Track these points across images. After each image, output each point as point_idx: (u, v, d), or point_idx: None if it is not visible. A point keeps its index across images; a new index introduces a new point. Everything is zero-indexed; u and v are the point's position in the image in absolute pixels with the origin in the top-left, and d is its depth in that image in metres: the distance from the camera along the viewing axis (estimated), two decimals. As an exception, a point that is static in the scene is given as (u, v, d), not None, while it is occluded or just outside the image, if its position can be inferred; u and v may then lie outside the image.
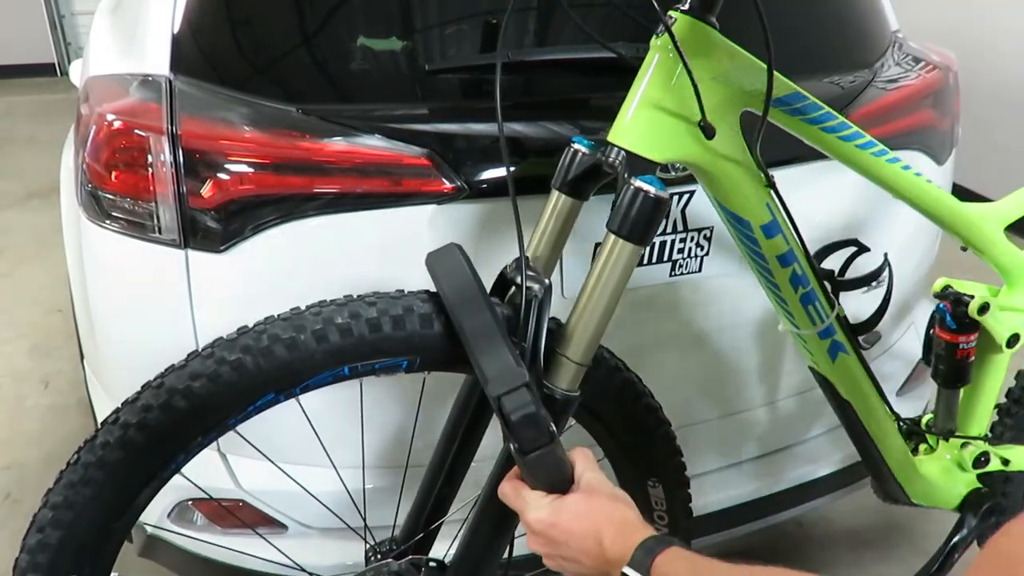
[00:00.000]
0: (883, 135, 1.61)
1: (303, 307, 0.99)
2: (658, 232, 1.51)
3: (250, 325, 0.97)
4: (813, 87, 1.60)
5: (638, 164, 0.98)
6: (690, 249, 1.53)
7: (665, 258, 1.54)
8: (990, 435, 1.40)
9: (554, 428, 0.89)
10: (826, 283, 1.16)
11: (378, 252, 1.32)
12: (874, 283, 1.17)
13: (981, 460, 1.37)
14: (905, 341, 1.85)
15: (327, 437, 1.28)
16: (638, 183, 0.95)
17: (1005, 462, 1.39)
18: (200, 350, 0.95)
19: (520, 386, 0.88)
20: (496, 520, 1.02)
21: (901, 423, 1.32)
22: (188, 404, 0.92)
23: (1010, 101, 3.59)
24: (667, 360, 1.65)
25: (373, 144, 1.27)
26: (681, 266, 1.56)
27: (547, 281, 1.01)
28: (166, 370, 0.95)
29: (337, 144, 1.28)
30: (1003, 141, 3.60)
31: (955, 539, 1.37)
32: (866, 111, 1.57)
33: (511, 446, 0.89)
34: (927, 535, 2.18)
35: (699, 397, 1.70)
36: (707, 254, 1.53)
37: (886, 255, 1.21)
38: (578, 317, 1.00)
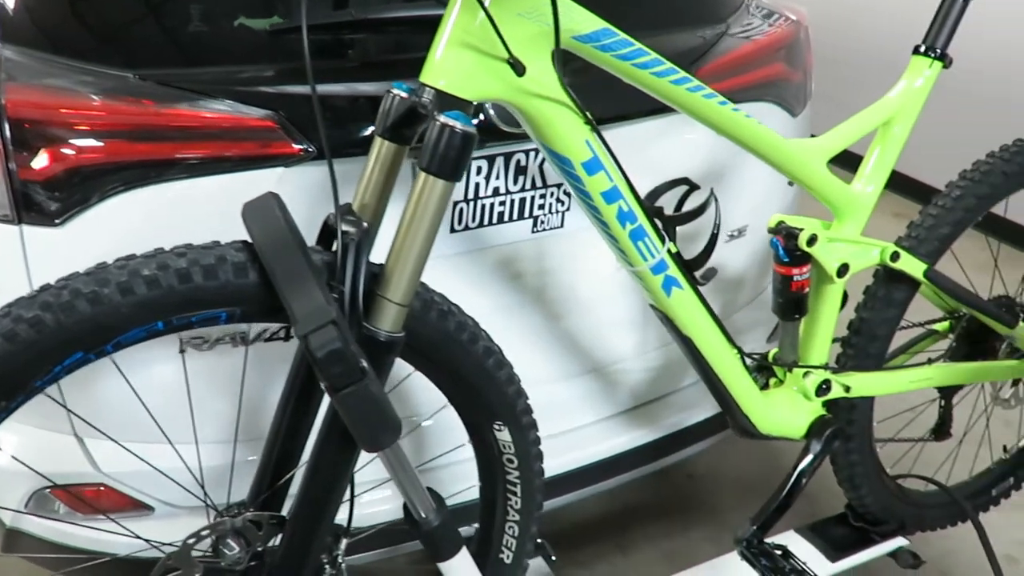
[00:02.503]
0: (737, 87, 1.62)
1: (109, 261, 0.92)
2: (518, 189, 1.49)
3: (52, 282, 0.90)
4: (667, 40, 1.60)
5: (449, 104, 0.94)
6: (551, 205, 1.51)
7: (526, 215, 1.51)
8: (830, 364, 1.41)
9: (365, 365, 0.85)
10: (656, 220, 1.14)
11: (227, 218, 1.26)
12: (700, 216, 1.16)
13: (823, 388, 1.38)
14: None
15: (182, 411, 1.21)
16: (444, 119, 0.91)
17: (847, 389, 1.40)
18: None
19: (326, 323, 0.83)
20: (330, 469, 0.97)
21: (745, 357, 1.32)
22: None
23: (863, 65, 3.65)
24: (536, 316, 1.62)
25: (215, 107, 1.21)
26: (543, 222, 1.53)
27: (364, 225, 0.97)
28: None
29: (177, 108, 1.21)
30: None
31: (801, 466, 1.38)
32: (720, 63, 1.56)
33: (322, 385, 0.85)
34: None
35: (571, 352, 1.68)
36: (568, 209, 1.51)
37: (712, 190, 1.20)
38: (395, 258, 0.96)
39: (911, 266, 1.35)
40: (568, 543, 2.28)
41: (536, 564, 1.81)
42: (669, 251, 1.16)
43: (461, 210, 1.49)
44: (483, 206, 1.50)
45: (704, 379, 1.31)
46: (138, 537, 1.14)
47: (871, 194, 1.32)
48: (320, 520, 0.99)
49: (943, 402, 1.66)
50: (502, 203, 1.52)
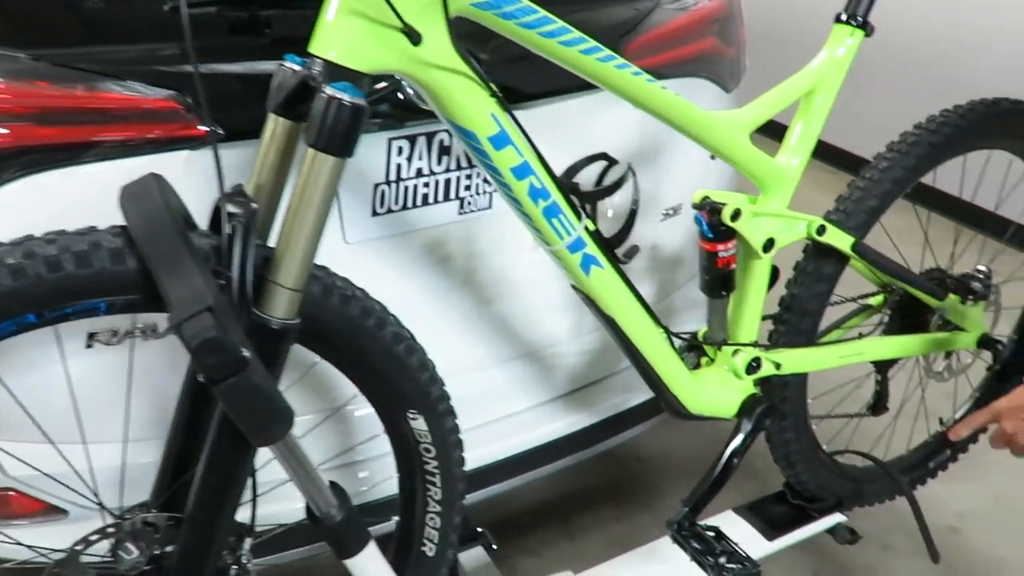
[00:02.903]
0: (669, 61, 1.58)
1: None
2: (442, 169, 1.43)
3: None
4: (601, 13, 1.55)
5: (340, 76, 0.88)
6: (478, 185, 1.46)
7: (452, 196, 1.46)
8: (761, 341, 1.38)
9: (247, 354, 0.79)
10: (572, 197, 1.09)
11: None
12: (617, 192, 1.11)
13: (753, 366, 1.34)
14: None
15: (96, 410, 1.14)
16: (331, 91, 0.85)
17: (777, 366, 1.37)
18: None
19: (201, 311, 0.77)
20: (225, 465, 0.91)
21: (673, 337, 1.28)
22: None
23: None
24: (466, 301, 1.57)
25: (114, 89, 1.14)
26: (470, 203, 1.48)
27: (254, 206, 0.90)
28: None
29: (74, 90, 1.14)
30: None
31: (733, 446, 1.34)
32: (652, 37, 1.52)
33: (199, 377, 0.79)
34: (758, 454, 2.20)
35: (504, 336, 1.63)
36: (496, 190, 1.46)
37: (629, 165, 1.15)
38: (285, 240, 0.90)
39: (838, 240, 1.32)
40: (515, 530, 2.24)
41: (475, 554, 1.77)
42: (587, 229, 1.11)
43: (383, 193, 1.43)
44: (406, 188, 1.45)
45: (631, 360, 1.26)
46: (20, 544, 1.07)
47: (796, 167, 1.28)
48: (218, 519, 0.93)
49: (879, 376, 1.64)
50: (426, 184, 1.46)
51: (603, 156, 1.15)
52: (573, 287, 1.20)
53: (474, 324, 1.59)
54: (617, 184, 1.12)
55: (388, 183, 1.43)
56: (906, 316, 1.57)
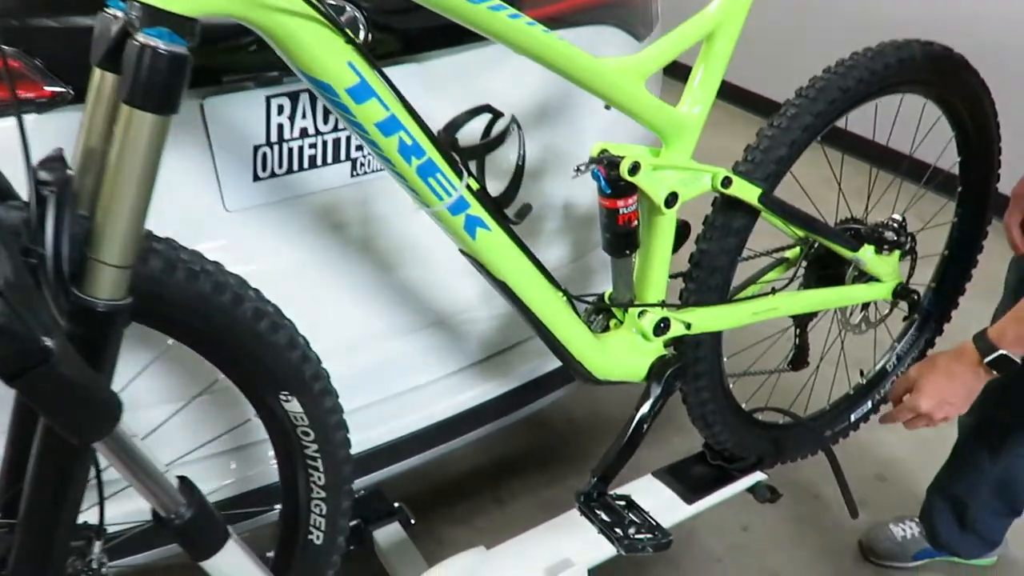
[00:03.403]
0: (574, 8, 1.47)
1: None
2: (330, 129, 1.32)
3: None
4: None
5: (160, 21, 0.76)
6: None
7: (343, 157, 1.35)
8: (670, 301, 1.31)
9: (50, 343, 0.68)
10: (452, 154, 0.99)
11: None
12: (500, 147, 1.02)
13: (661, 327, 1.27)
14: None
15: None
16: (143, 38, 0.74)
17: (687, 326, 1.30)
18: None
19: None
20: (54, 465, 0.81)
21: (573, 300, 1.20)
22: None
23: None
24: (365, 269, 1.47)
25: None
26: (363, 165, 1.37)
27: (69, 173, 0.79)
28: None
29: None
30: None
31: (642, 411, 1.28)
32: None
33: None
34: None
35: (410, 304, 1.53)
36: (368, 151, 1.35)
37: (513, 117, 1.05)
38: (103, 212, 0.78)
39: (745, 192, 1.25)
40: (443, 500, 2.18)
41: (392, 530, 1.70)
42: (469, 188, 1.01)
43: (264, 155, 1.32)
44: (290, 150, 1.33)
45: (531, 326, 1.18)
46: None
47: (698, 115, 1.20)
48: (53, 523, 0.83)
49: (798, 331, 1.59)
50: (312, 145, 1.35)
51: (487, 109, 1.05)
52: (461, 252, 1.10)
53: (376, 294, 1.49)
54: (499, 139, 1.02)
55: (269, 145, 1.31)
56: (822, 268, 1.51)
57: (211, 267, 0.90)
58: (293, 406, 0.99)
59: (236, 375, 0.96)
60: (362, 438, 1.53)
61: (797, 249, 1.52)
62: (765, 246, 1.58)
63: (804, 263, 1.50)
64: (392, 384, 1.56)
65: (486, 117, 1.06)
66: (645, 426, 1.28)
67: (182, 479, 0.89)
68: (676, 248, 1.44)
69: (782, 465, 1.67)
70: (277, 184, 1.34)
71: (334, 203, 1.41)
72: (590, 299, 1.28)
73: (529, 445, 2.36)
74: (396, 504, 1.72)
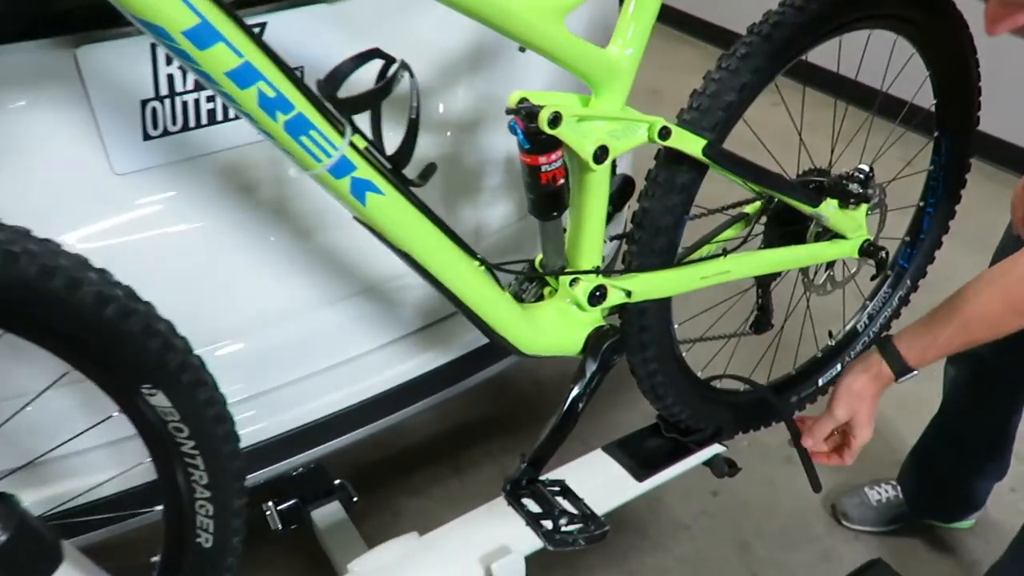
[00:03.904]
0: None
1: None
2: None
3: None
4: None
5: None
6: None
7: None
8: (608, 267, 1.17)
9: None
10: (331, 108, 0.85)
11: None
12: (387, 96, 0.87)
13: (597, 295, 1.14)
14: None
15: None
16: None
17: (628, 294, 1.16)
18: None
19: None
20: None
21: (493, 268, 1.06)
22: None
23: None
24: (282, 234, 1.34)
25: None
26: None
27: None
28: None
29: None
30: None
31: (576, 390, 1.15)
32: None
33: None
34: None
35: (335, 271, 1.40)
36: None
37: (402, 62, 0.90)
38: None
39: (687, 143, 1.10)
40: (400, 470, 2.08)
41: (330, 510, 1.60)
42: (354, 146, 0.87)
43: (154, 111, 1.17)
44: (184, 104, 1.19)
45: (447, 298, 1.05)
46: None
47: (631, 57, 1.05)
48: None
49: (760, 291, 1.46)
50: (211, 99, 1.21)
51: (378, 54, 0.90)
52: (355, 219, 0.97)
53: (295, 261, 1.36)
54: (383, 89, 0.88)
55: (159, 99, 1.17)
56: (783, 225, 1.37)
57: (35, 247, 0.76)
58: (159, 400, 0.86)
59: (84, 368, 0.84)
60: (291, 416, 1.42)
61: (758, 204, 1.38)
62: (727, 200, 1.44)
63: (763, 220, 1.36)
64: (320, 358, 1.44)
65: (378, 64, 0.91)
66: (580, 405, 1.15)
67: (1, 496, 0.77)
68: (619, 207, 1.30)
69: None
70: (172, 143, 1.21)
71: (241, 163, 1.28)
72: (518, 267, 1.15)
73: (492, 410, 2.25)
74: (337, 481, 1.62)
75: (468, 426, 2.21)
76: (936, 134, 1.46)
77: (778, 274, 1.43)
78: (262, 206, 1.31)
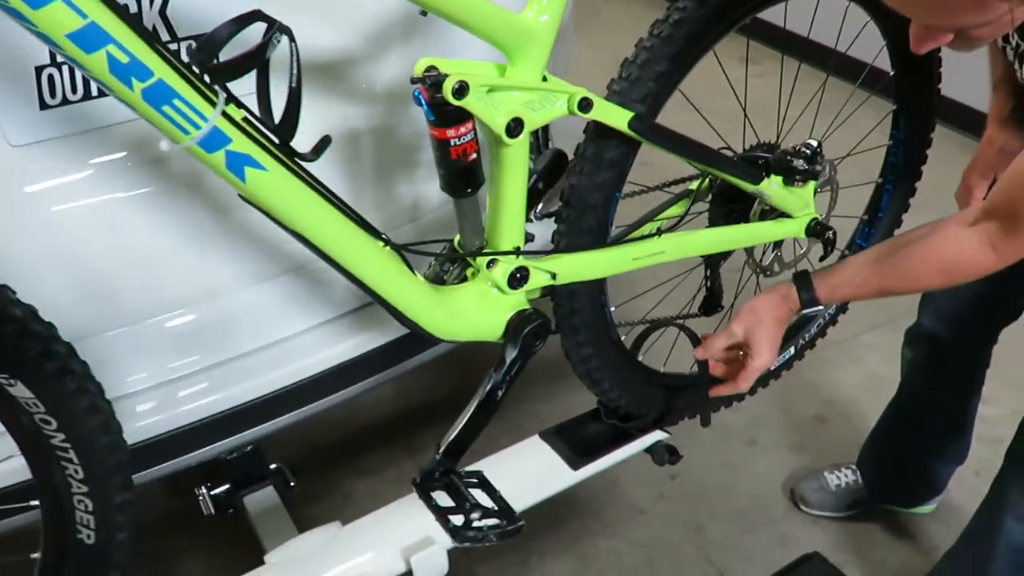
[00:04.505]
0: None
1: None
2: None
3: None
4: None
5: None
6: None
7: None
8: (532, 247, 1.10)
9: None
10: (199, 74, 0.77)
11: None
12: (257, 64, 0.79)
13: (518, 277, 1.07)
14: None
15: None
16: None
17: (552, 275, 1.09)
18: None
19: None
20: None
21: (400, 248, 0.99)
22: None
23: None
24: (199, 209, 1.26)
25: None
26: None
27: None
28: None
29: None
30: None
31: (494, 379, 1.08)
32: None
33: None
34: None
35: (259, 248, 1.33)
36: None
37: (279, 24, 0.82)
38: None
39: (611, 115, 1.02)
40: (352, 450, 2.02)
41: (263, 496, 1.54)
42: (228, 117, 0.79)
43: (51, 77, 1.09)
44: (85, 71, 1.10)
45: (348, 279, 0.98)
46: None
47: (548, 24, 0.96)
48: None
49: (708, 271, 1.39)
50: (114, 66, 1.12)
51: (259, 17, 0.82)
52: (241, 198, 0.89)
53: (215, 239, 1.28)
54: (255, 53, 0.80)
55: (56, 65, 1.09)
56: (728, 203, 1.29)
57: None
58: (20, 391, 0.80)
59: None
60: (219, 397, 1.36)
61: (703, 181, 1.30)
62: (682, 175, 1.36)
63: (707, 198, 1.29)
64: (246, 339, 1.37)
65: (261, 28, 0.83)
66: (499, 393, 1.09)
67: None
68: (550, 183, 1.22)
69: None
70: (72, 112, 1.13)
71: (152, 133, 1.19)
72: (436, 248, 1.08)
73: (450, 388, 2.19)
74: (274, 466, 1.56)
75: (425, 406, 2.15)
76: (895, 107, 1.37)
77: (727, 254, 1.36)
78: (175, 180, 1.23)
